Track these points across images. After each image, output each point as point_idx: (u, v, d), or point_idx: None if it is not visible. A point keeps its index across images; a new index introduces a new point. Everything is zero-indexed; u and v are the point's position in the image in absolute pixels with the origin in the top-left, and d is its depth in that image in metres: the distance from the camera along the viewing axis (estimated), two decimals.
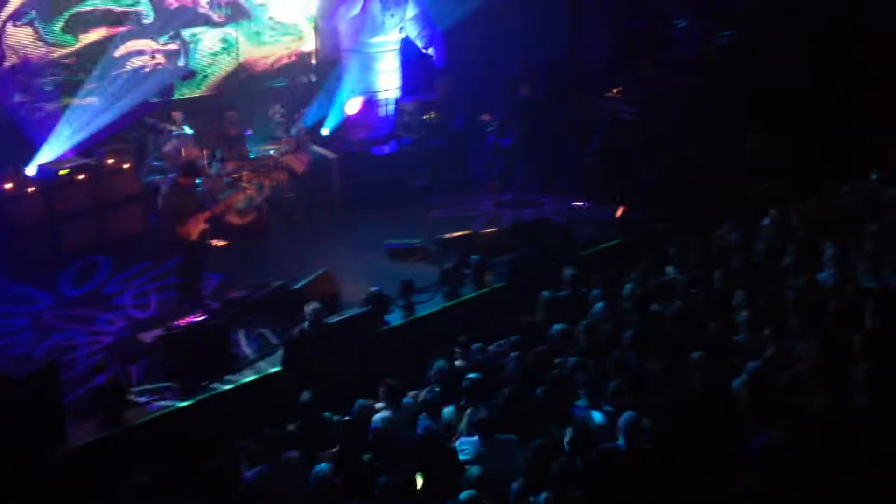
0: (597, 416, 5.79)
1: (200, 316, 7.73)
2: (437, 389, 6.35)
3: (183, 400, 7.00)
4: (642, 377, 6.04)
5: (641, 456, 5.14)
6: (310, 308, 7.40)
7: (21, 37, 10.44)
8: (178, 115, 11.11)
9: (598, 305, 7.45)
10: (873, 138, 11.31)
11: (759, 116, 11.76)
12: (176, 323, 7.63)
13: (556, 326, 6.99)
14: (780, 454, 4.87)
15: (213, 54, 12.21)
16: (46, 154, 10.20)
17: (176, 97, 11.93)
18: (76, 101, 10.77)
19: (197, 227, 8.51)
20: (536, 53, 13.08)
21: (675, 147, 11.53)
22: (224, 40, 12.29)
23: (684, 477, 4.98)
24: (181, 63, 11.88)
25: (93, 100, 10.91)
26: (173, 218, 8.50)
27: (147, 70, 11.50)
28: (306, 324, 7.35)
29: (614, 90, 12.29)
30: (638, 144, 11.64)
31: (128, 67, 11.29)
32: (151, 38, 11.52)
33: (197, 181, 9.48)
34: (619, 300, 7.59)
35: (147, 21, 11.42)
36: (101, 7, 11.00)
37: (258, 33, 12.61)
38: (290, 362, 7.31)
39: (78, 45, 10.89)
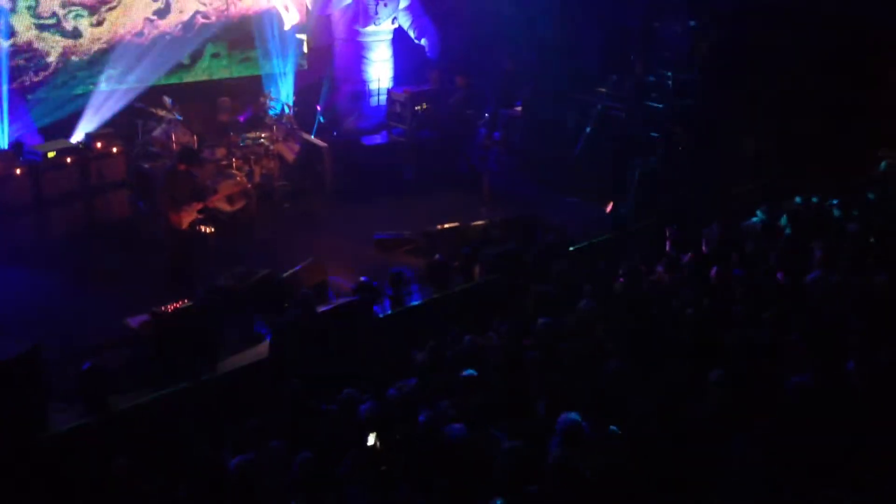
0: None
1: (187, 302, 7.65)
2: (420, 380, 6.33)
3: None
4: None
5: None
6: (298, 297, 7.34)
7: None
8: (167, 100, 11.02)
9: (584, 301, 7.43)
10: (867, 137, 11.34)
11: (750, 115, 11.78)
12: (163, 308, 7.56)
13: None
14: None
15: None
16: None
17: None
18: None
19: (190, 214, 8.45)
20: (528, 48, 13.05)
21: (666, 143, 11.53)
22: None
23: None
24: None
25: None
26: (168, 204, 8.42)
27: None
28: (294, 312, 7.31)
29: (605, 87, 12.28)
30: (627, 141, 11.64)
31: None
32: None
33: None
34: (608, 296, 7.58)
35: None
36: None
37: None
38: (278, 351, 7.28)
39: None
